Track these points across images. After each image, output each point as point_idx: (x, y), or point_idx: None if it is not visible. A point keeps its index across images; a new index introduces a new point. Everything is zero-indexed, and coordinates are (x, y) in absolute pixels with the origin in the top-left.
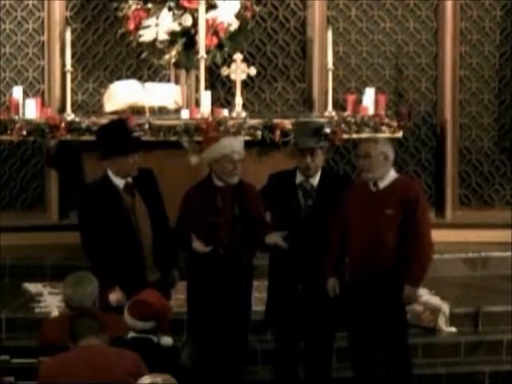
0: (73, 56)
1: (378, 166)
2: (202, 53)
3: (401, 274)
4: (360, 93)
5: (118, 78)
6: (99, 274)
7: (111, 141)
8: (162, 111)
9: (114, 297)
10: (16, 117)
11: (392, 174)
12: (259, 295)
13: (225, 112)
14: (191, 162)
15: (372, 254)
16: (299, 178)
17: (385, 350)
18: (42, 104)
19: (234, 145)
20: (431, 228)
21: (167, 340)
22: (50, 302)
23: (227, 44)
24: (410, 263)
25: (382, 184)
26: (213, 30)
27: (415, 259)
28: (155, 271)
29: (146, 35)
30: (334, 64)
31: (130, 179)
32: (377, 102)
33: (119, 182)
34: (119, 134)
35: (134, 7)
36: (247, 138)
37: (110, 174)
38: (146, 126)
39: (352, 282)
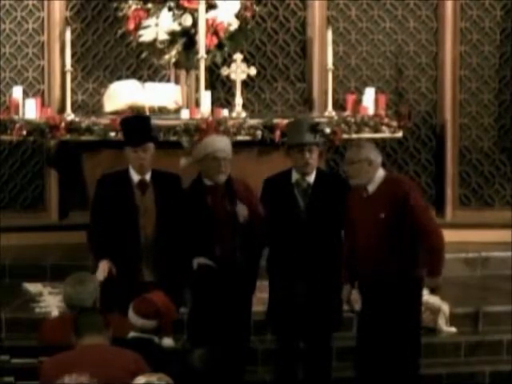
0: (73, 56)
1: (361, 172)
2: (202, 53)
3: (411, 274)
4: (360, 93)
5: (118, 78)
6: (92, 246)
7: (123, 132)
8: (162, 111)
9: (102, 267)
10: (16, 117)
11: (379, 177)
12: (260, 295)
13: (225, 112)
14: (180, 164)
15: (376, 259)
16: (295, 177)
17: (394, 350)
18: (42, 104)
19: (217, 143)
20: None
21: (168, 341)
22: (50, 302)
23: (227, 44)
24: (427, 257)
25: (371, 189)
26: (213, 29)
27: (429, 253)
28: (152, 273)
29: (146, 35)
30: (334, 64)
31: (146, 177)
32: (377, 102)
33: (135, 178)
34: (130, 126)
35: (133, 7)
36: (247, 137)
37: (130, 168)
38: None
39: (361, 285)
